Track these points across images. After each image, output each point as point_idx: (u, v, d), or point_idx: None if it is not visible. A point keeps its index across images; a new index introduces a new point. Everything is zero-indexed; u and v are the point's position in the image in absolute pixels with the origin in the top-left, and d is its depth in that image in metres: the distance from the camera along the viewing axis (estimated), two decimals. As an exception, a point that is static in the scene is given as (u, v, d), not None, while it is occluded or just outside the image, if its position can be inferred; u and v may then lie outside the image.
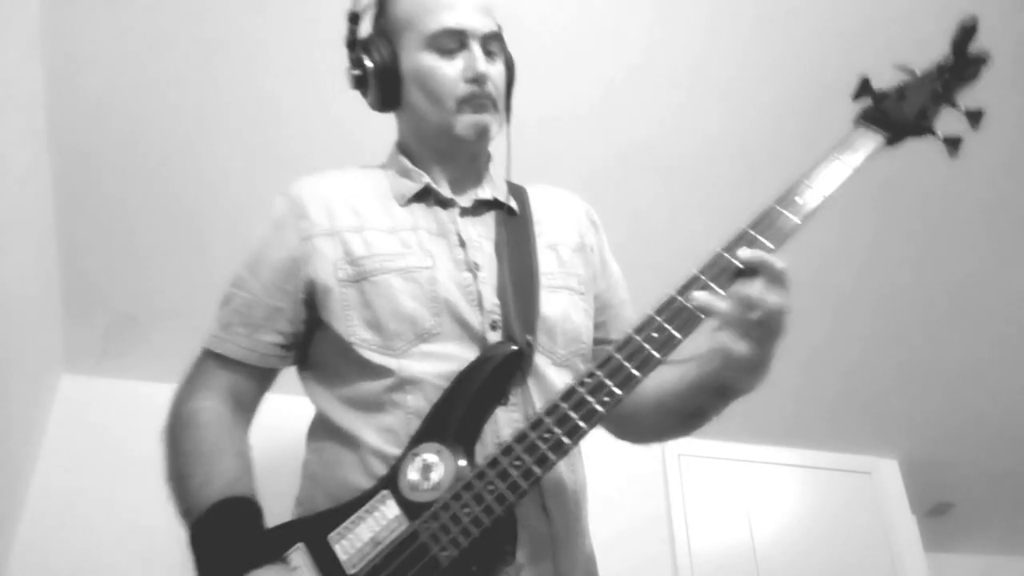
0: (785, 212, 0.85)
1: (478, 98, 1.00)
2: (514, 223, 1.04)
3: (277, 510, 0.90)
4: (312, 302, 0.97)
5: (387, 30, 1.05)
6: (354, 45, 1.06)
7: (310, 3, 1.83)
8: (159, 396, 2.88)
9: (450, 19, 0.99)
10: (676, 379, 0.93)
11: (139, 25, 1.80)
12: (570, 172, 2.14)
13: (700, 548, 2.82)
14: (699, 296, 0.80)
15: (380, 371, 0.91)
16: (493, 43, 1.03)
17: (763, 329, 0.79)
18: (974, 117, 0.91)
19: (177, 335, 2.40)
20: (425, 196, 1.03)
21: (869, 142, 0.91)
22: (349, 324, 0.93)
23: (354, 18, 1.07)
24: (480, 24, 1.01)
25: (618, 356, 0.81)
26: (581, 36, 1.97)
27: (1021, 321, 2.75)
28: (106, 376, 2.47)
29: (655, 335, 0.80)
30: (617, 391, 0.79)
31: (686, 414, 0.96)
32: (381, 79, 1.03)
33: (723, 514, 2.95)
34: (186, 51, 1.85)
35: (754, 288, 0.78)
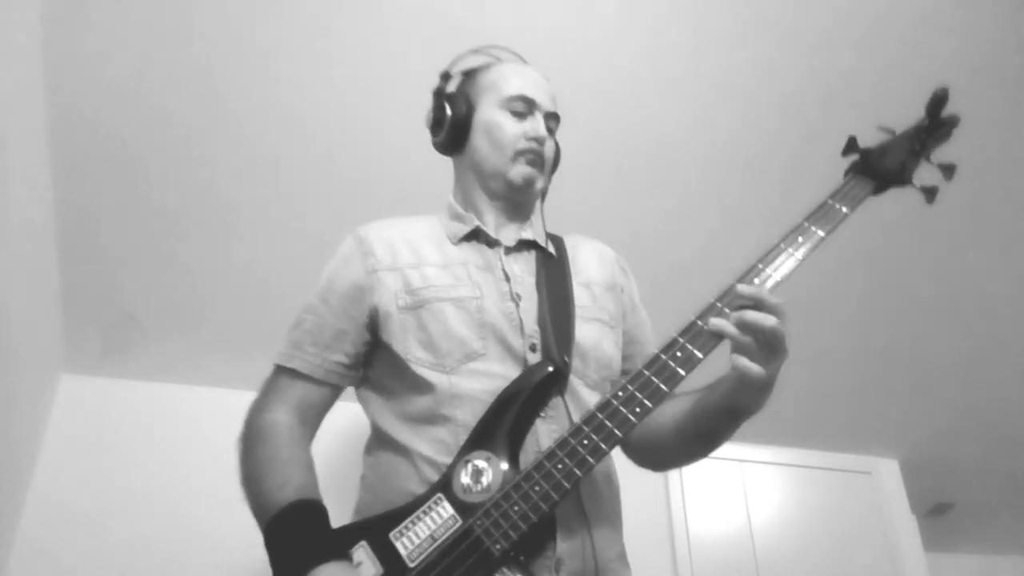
0: (789, 249, 1.00)
1: (533, 153, 1.18)
2: (552, 263, 1.19)
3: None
4: (374, 327, 1.10)
5: (470, 90, 1.25)
6: (440, 95, 1.25)
7: (310, 7, 1.83)
8: (159, 396, 2.90)
9: (527, 90, 1.21)
10: (692, 405, 1.05)
11: (139, 27, 1.80)
12: (569, 173, 2.15)
13: (700, 548, 2.82)
14: (714, 321, 0.93)
15: (432, 387, 1.03)
16: (552, 122, 1.23)
17: (768, 350, 0.91)
18: (947, 171, 1.08)
19: (177, 335, 2.41)
20: (474, 236, 1.18)
21: (861, 190, 1.08)
22: (407, 344, 1.06)
23: (445, 76, 1.27)
24: (548, 103, 1.22)
25: (647, 372, 0.93)
26: (582, 36, 1.97)
27: (1021, 321, 2.75)
28: (106, 376, 2.47)
29: (679, 354, 0.93)
30: (647, 403, 0.91)
31: (700, 435, 1.07)
32: (455, 126, 1.22)
33: (723, 514, 2.96)
34: (186, 54, 1.86)
35: (751, 314, 0.90)
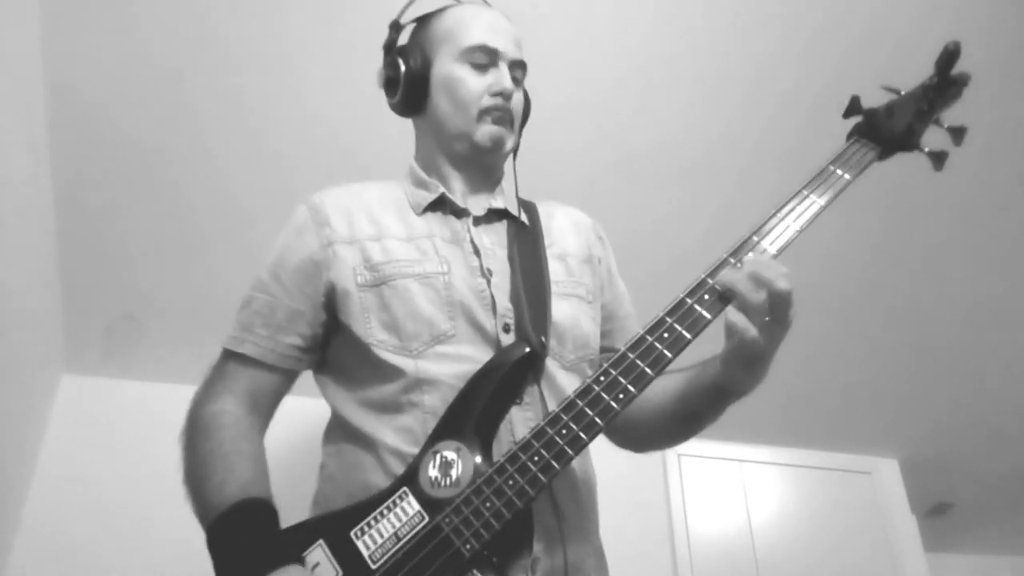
0: (786, 219, 0.90)
1: (500, 111, 1.07)
2: (524, 234, 1.08)
3: (289, 510, 0.91)
4: (331, 306, 1.00)
5: (425, 41, 1.12)
6: (391, 50, 1.14)
7: (311, 4, 1.83)
8: (159, 396, 2.90)
9: (487, 38, 1.08)
10: (676, 384, 0.97)
11: (138, 27, 1.80)
12: (572, 170, 2.15)
13: (700, 548, 2.82)
14: (724, 275, 0.83)
15: (397, 372, 0.93)
16: (519, 70, 1.11)
17: (773, 314, 0.81)
18: (957, 134, 0.97)
19: (177, 335, 2.41)
20: (440, 205, 1.08)
21: (865, 156, 0.97)
22: (368, 326, 0.96)
23: (396, 27, 1.15)
24: (512, 50, 1.10)
25: (631, 355, 0.84)
26: (582, 36, 1.97)
27: (1022, 321, 2.75)
28: (106, 376, 2.47)
29: (666, 335, 0.84)
30: (631, 388, 0.83)
31: (683, 417, 1.00)
32: (411, 84, 1.10)
33: (723, 514, 2.96)
34: (185, 53, 1.85)
35: (768, 269, 0.81)
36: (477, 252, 1.03)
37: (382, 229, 1.03)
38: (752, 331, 0.81)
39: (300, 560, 0.82)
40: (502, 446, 0.88)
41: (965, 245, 2.50)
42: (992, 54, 2.02)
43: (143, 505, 2.28)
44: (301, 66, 1.91)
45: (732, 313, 0.82)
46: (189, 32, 1.83)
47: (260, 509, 0.87)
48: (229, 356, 1.02)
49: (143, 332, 2.36)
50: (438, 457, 0.86)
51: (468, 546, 0.80)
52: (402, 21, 1.16)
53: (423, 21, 1.15)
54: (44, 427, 2.35)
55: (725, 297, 0.84)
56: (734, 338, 0.83)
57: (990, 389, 3.01)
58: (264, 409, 1.02)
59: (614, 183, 2.23)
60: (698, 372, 0.95)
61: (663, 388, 0.98)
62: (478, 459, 0.85)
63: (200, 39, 1.84)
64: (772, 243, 0.88)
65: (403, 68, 1.10)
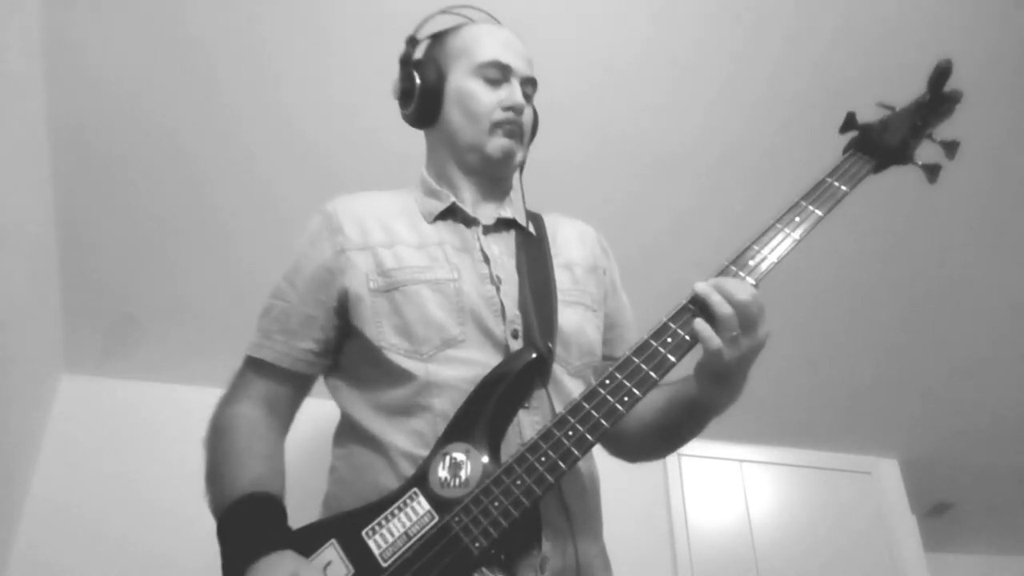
0: (786, 229, 0.96)
1: (511, 124, 1.12)
2: (532, 243, 1.12)
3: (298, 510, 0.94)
4: (344, 311, 1.04)
5: (440, 56, 1.17)
6: (407, 63, 1.18)
7: (305, 11, 1.83)
8: (159, 396, 2.89)
9: (501, 54, 1.13)
10: (660, 398, 1.02)
11: (137, 32, 1.80)
12: (560, 163, 2.14)
13: (700, 548, 2.82)
14: (698, 286, 0.89)
15: (408, 375, 0.97)
16: (529, 87, 1.17)
17: (741, 328, 0.86)
18: (950, 148, 1.03)
19: (177, 335, 2.41)
20: (450, 214, 1.11)
21: (860, 168, 1.04)
22: (380, 329, 0.99)
23: (412, 41, 1.20)
24: (524, 67, 1.15)
25: (636, 360, 0.88)
26: (578, 31, 1.97)
27: (1021, 321, 2.75)
28: (106, 376, 2.47)
29: (670, 340, 0.88)
30: (636, 392, 0.86)
31: (664, 430, 1.05)
32: (426, 96, 1.14)
33: (723, 514, 2.96)
34: (183, 58, 1.85)
35: (730, 283, 0.87)
36: (487, 260, 1.06)
37: (394, 236, 1.06)
38: (715, 341, 0.85)
39: (303, 552, 0.85)
40: (510, 448, 0.90)
41: (967, 245, 2.50)
42: (1003, 50, 2.02)
43: (143, 505, 2.28)
44: (291, 75, 1.90)
45: (699, 322, 0.86)
46: (185, 43, 1.83)
47: (265, 502, 0.90)
48: (249, 362, 1.07)
49: (143, 332, 2.36)
50: (448, 458, 0.88)
51: (477, 544, 0.82)
52: (418, 36, 1.20)
53: (439, 37, 1.20)
54: (44, 427, 2.35)
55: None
56: (704, 351, 0.87)
57: (990, 389, 3.01)
58: (282, 412, 1.06)
59: (620, 191, 2.23)
60: (679, 387, 0.99)
61: (648, 402, 1.00)
62: (486, 460, 0.88)
63: (196, 50, 1.84)
64: (772, 252, 0.92)
65: (418, 81, 1.14)
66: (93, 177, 2.02)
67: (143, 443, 2.39)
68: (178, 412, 2.48)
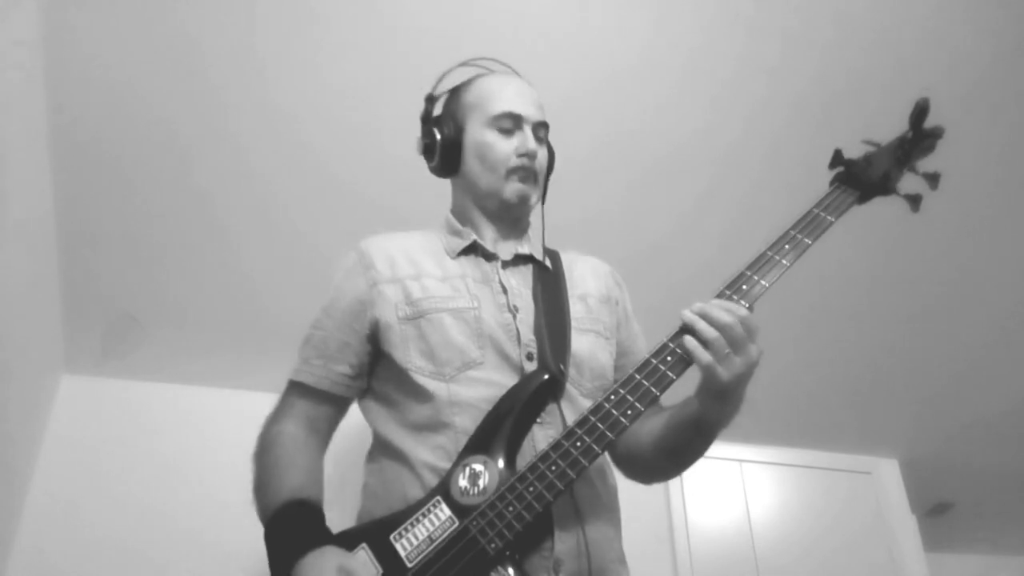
0: (776, 256, 1.03)
1: (524, 170, 1.21)
2: (548, 276, 1.22)
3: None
4: (376, 338, 1.14)
5: (456, 111, 1.27)
6: (428, 120, 1.28)
7: (306, 15, 1.83)
8: (159, 396, 2.89)
9: (512, 105, 1.22)
10: (666, 419, 1.08)
11: (136, 32, 1.80)
12: (560, 163, 2.14)
13: (700, 548, 2.82)
14: (683, 313, 0.95)
15: (431, 394, 1.06)
16: (542, 130, 1.25)
17: (731, 346, 0.92)
18: (932, 179, 1.11)
19: (177, 335, 2.41)
20: (472, 250, 1.21)
21: (845, 200, 1.13)
22: (407, 354, 1.09)
23: (430, 99, 1.30)
24: (534, 114, 1.23)
25: (638, 376, 0.96)
26: (579, 33, 1.97)
27: (1021, 321, 2.75)
28: (106, 376, 2.47)
29: (669, 358, 0.95)
30: (638, 405, 0.94)
31: (671, 450, 1.10)
32: (447, 150, 1.25)
33: (723, 514, 2.96)
34: (182, 59, 1.85)
35: (714, 307, 0.94)
36: (505, 291, 1.16)
37: (421, 269, 1.17)
38: (704, 355, 0.91)
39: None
40: (526, 459, 0.97)
41: (966, 245, 2.50)
42: (1002, 51, 2.02)
43: (143, 504, 2.28)
44: (290, 79, 1.90)
45: (688, 339, 0.93)
46: (185, 44, 1.83)
47: (306, 507, 1.00)
48: (292, 385, 1.17)
49: (143, 332, 2.37)
50: (468, 469, 0.97)
51: (492, 545, 0.90)
52: (435, 94, 1.30)
53: (454, 92, 1.30)
54: (44, 427, 2.35)
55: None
56: (699, 369, 0.93)
57: (990, 389, 3.01)
58: (322, 431, 1.16)
59: (622, 193, 2.23)
60: (681, 407, 1.05)
61: (656, 423, 1.09)
62: (503, 470, 0.97)
63: (195, 52, 1.84)
64: (764, 279, 1.00)
65: (439, 137, 1.24)
66: (93, 177, 2.02)
67: (143, 443, 2.39)
68: (178, 412, 2.48)
